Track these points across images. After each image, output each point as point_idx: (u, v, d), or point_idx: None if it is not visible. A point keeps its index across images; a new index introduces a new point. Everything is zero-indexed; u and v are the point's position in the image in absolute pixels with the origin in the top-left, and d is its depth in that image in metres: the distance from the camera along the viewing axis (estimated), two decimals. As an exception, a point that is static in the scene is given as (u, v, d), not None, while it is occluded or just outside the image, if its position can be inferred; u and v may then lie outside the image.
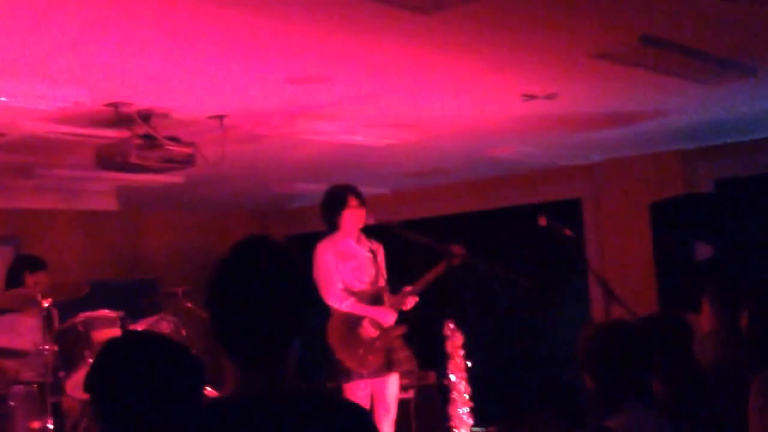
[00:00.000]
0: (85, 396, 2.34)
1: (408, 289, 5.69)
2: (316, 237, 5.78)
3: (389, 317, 5.58)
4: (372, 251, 5.71)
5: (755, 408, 3.08)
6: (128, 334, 2.61)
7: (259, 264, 1.92)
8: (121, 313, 5.84)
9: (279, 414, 1.85)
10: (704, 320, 4.11)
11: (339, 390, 5.53)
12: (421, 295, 5.73)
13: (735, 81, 5.06)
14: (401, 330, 5.65)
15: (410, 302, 5.67)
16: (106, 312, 5.78)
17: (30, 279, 5.88)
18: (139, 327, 5.76)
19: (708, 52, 4.55)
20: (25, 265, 6.04)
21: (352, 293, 5.62)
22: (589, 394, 2.95)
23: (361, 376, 5.50)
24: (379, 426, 5.59)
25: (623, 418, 2.80)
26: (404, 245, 5.81)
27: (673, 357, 3.33)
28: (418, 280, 5.68)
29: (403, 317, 5.71)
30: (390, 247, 5.90)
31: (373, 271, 5.70)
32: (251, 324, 1.88)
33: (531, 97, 5.30)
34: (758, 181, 7.35)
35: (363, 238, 5.73)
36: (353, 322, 5.59)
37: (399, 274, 5.88)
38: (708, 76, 4.92)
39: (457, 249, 5.74)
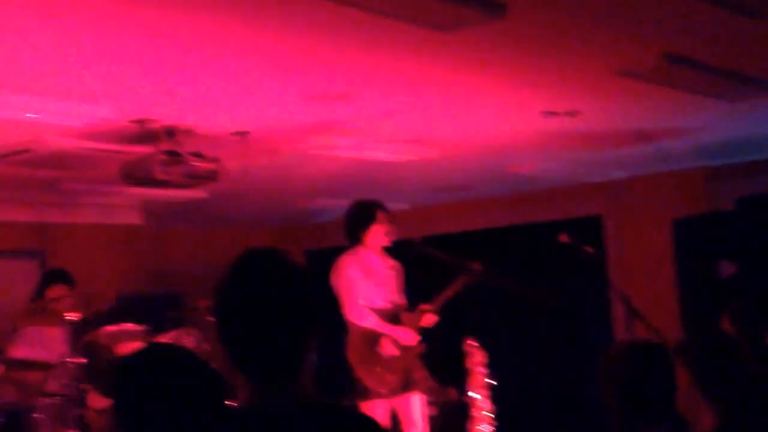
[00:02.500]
0: (107, 406, 2.36)
1: (425, 307, 5.68)
2: (335, 252, 5.79)
3: (410, 337, 5.57)
4: (392, 268, 5.71)
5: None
6: (151, 346, 2.61)
7: (267, 275, 1.92)
8: (144, 327, 5.88)
9: (289, 428, 1.85)
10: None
11: (356, 407, 5.52)
12: (442, 311, 5.72)
13: (758, 98, 5.05)
14: (420, 349, 5.65)
15: (427, 320, 5.66)
16: (129, 325, 5.82)
17: (50, 292, 5.95)
18: (162, 341, 5.79)
19: (730, 69, 4.55)
20: (45, 278, 6.14)
21: (374, 310, 5.62)
22: (612, 414, 2.93)
23: (379, 395, 5.49)
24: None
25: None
26: (423, 262, 5.81)
27: (716, 371, 3.30)
28: (436, 298, 5.67)
29: (422, 335, 5.70)
30: (409, 264, 5.91)
31: (394, 289, 5.70)
32: (258, 337, 1.88)
33: (552, 113, 5.31)
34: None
35: (385, 255, 5.73)
36: (372, 339, 5.58)
37: (418, 291, 5.87)
38: (730, 93, 4.92)
39: (476, 266, 5.73)
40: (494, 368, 6.20)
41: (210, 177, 5.14)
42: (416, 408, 5.61)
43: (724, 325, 4.57)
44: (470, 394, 5.93)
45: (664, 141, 6.36)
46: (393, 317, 5.64)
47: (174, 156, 4.91)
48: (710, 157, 7.20)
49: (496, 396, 6.06)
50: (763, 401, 3.24)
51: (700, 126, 5.95)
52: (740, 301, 4.75)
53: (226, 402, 2.23)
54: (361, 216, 5.63)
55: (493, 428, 5.89)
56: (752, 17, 3.70)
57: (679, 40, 4.08)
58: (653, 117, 5.63)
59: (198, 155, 5.06)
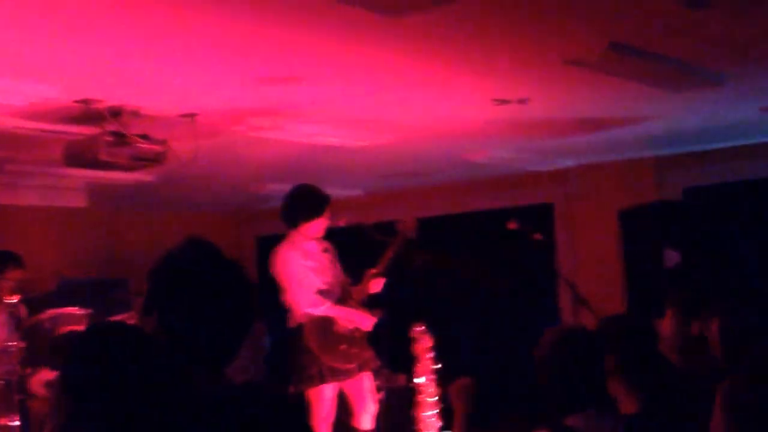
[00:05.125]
0: (49, 391, 2.30)
1: (371, 271, 5.69)
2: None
3: (368, 321, 5.59)
4: (326, 249, 5.70)
5: (720, 413, 3.11)
6: (102, 323, 2.55)
7: (205, 267, 1.92)
8: (89, 311, 5.82)
9: (224, 411, 1.86)
10: (665, 326, 4.15)
11: (302, 394, 5.51)
12: (392, 299, 5.74)
13: (703, 89, 5.12)
14: (373, 322, 5.66)
15: (376, 285, 5.68)
16: (73, 309, 5.76)
17: (7, 275, 5.86)
18: (107, 325, 5.74)
19: (676, 59, 4.61)
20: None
21: (322, 294, 5.61)
22: (547, 395, 2.99)
23: (340, 376, 5.48)
24: (359, 424, 5.63)
25: (580, 418, 2.84)
26: (376, 247, 5.82)
27: (637, 359, 3.36)
28: (380, 260, 5.70)
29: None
30: (362, 249, 5.90)
31: (332, 271, 5.69)
32: (197, 329, 1.89)
33: (503, 101, 5.34)
34: (726, 189, 7.43)
35: (318, 239, 5.72)
36: (328, 322, 5.59)
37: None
38: (676, 83, 4.98)
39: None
40: (444, 353, 6.24)
41: (157, 159, 5.08)
42: (367, 387, 5.65)
43: (668, 312, 4.66)
44: (417, 380, 5.96)
45: (612, 130, 6.43)
46: (342, 294, 5.65)
47: (120, 137, 4.84)
48: (658, 146, 7.29)
49: (444, 380, 6.09)
50: (684, 390, 3.31)
51: (647, 115, 6.02)
52: (682, 289, 4.85)
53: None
54: (308, 206, 5.58)
55: (438, 413, 5.93)
56: (697, 7, 3.74)
57: (626, 30, 4.12)
58: (601, 106, 5.68)
59: (144, 137, 4.99)
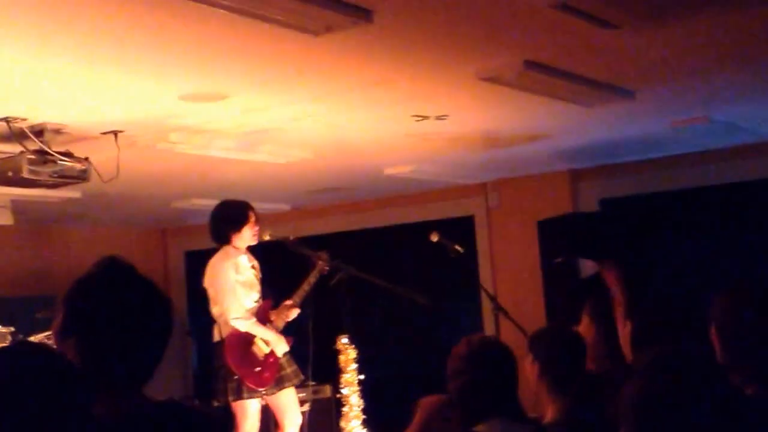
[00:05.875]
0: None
1: (288, 302, 5.79)
2: (215, 253, 5.81)
3: (282, 348, 5.67)
4: (254, 267, 5.77)
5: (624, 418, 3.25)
6: (16, 344, 2.56)
7: (124, 289, 1.96)
8: (11, 329, 5.75)
9: (144, 429, 1.90)
10: (583, 332, 4.29)
11: (227, 407, 5.56)
12: (317, 311, 5.83)
13: (615, 104, 5.31)
14: (289, 343, 5.74)
15: (291, 314, 5.80)
16: (-5, 327, 5.69)
17: None
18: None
19: (588, 76, 4.79)
20: None
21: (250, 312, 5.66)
22: (456, 404, 3.09)
23: (257, 394, 5.55)
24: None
25: (489, 427, 2.94)
26: (300, 261, 5.90)
27: (569, 368, 3.47)
28: (296, 292, 5.81)
29: (293, 333, 5.81)
30: (284, 263, 5.98)
31: (259, 288, 5.76)
32: (119, 352, 1.92)
33: (423, 117, 5.46)
34: (641, 200, 7.69)
35: (249, 254, 5.79)
36: (247, 340, 5.63)
37: (288, 289, 5.97)
38: (589, 99, 5.16)
39: (321, 257, 5.88)
40: (369, 364, 6.33)
41: (80, 177, 5.07)
42: (290, 401, 5.71)
43: (584, 319, 4.82)
44: (342, 391, 6.05)
45: (528, 144, 6.62)
46: (262, 317, 5.72)
47: (42, 155, 4.83)
48: (574, 160, 7.51)
49: (368, 391, 6.19)
50: (605, 396, 3.45)
51: (562, 130, 6.22)
52: (597, 297, 5.01)
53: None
54: (232, 217, 5.68)
55: (362, 423, 6.03)
56: (606, 27, 3.92)
57: (539, 48, 4.28)
58: (517, 121, 5.85)
59: (67, 154, 4.99)
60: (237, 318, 5.57)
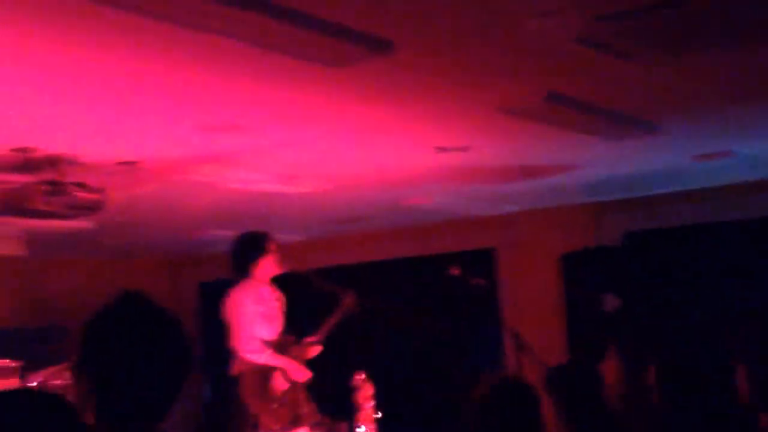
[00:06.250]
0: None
1: (309, 339, 5.68)
2: (230, 284, 5.72)
3: (303, 373, 5.55)
4: (278, 299, 5.68)
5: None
6: (12, 391, 2.47)
7: (139, 326, 1.89)
8: (20, 363, 5.67)
9: None
10: (609, 370, 4.19)
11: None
12: (333, 344, 5.72)
13: (637, 137, 5.23)
14: (307, 377, 5.63)
15: (313, 351, 5.67)
16: (3, 361, 5.61)
17: None
18: (40, 377, 5.60)
19: (611, 109, 4.71)
20: None
21: (265, 344, 5.56)
22: None
23: (271, 431, 5.44)
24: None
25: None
26: (317, 294, 5.80)
27: (586, 405, 3.38)
28: (320, 329, 5.69)
29: (311, 368, 5.69)
30: (302, 296, 5.88)
31: (281, 322, 5.66)
32: (132, 385, 1.86)
33: (444, 149, 5.39)
34: (664, 234, 7.56)
35: (273, 286, 5.70)
36: (265, 374, 5.53)
37: (310, 322, 5.86)
38: (611, 132, 5.08)
39: (349, 297, 5.76)
40: (385, 399, 6.21)
41: (94, 207, 5.02)
42: (304, 442, 5.59)
43: (610, 358, 4.70)
44: (358, 429, 5.92)
45: (551, 176, 6.52)
46: (281, 350, 5.61)
47: (56, 186, 4.78)
48: (596, 193, 7.40)
49: (385, 428, 6.06)
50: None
51: (584, 163, 6.12)
52: (623, 336, 4.90)
53: None
54: (251, 248, 5.60)
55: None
56: (627, 59, 3.84)
57: (561, 81, 4.21)
58: (539, 153, 5.77)
59: (81, 185, 4.93)
60: (250, 351, 5.48)
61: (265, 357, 5.49)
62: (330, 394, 5.84)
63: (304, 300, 5.76)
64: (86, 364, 1.90)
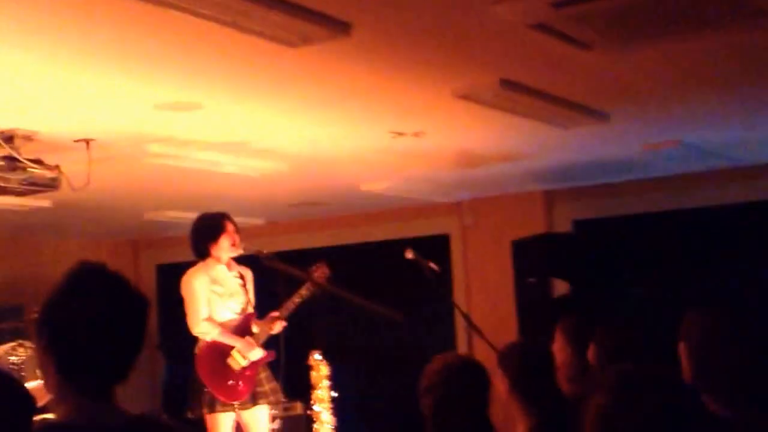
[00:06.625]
0: None
1: (274, 314, 5.72)
2: (188, 266, 5.76)
3: (253, 351, 5.59)
4: (241, 277, 5.72)
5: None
6: None
7: (99, 291, 1.94)
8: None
9: None
10: (557, 352, 4.29)
11: (200, 420, 5.50)
12: (290, 326, 5.78)
13: (590, 125, 5.34)
14: (270, 357, 5.68)
15: (277, 327, 5.71)
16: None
17: None
18: (-4, 353, 5.61)
19: (564, 97, 4.81)
20: None
21: (221, 323, 5.61)
22: (427, 421, 3.07)
23: (230, 408, 5.49)
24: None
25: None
26: (274, 276, 5.85)
27: (540, 382, 3.46)
28: (284, 305, 5.73)
29: (273, 347, 5.75)
30: (259, 278, 5.93)
31: (243, 299, 5.71)
32: (95, 355, 1.90)
33: (399, 134, 5.46)
34: (613, 223, 7.73)
35: (233, 264, 5.74)
36: (222, 352, 5.58)
37: (268, 303, 5.91)
38: (564, 120, 5.18)
39: (318, 268, 5.82)
40: (340, 381, 6.29)
41: (51, 185, 5.02)
42: (261, 420, 5.65)
43: (557, 339, 4.82)
44: (314, 407, 6.00)
45: (504, 164, 6.63)
46: (243, 328, 5.66)
47: (12, 162, 4.77)
48: (549, 181, 7.54)
49: (340, 408, 6.14)
50: (576, 416, 3.44)
51: (537, 150, 6.23)
52: (570, 316, 5.02)
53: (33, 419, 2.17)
54: (208, 228, 5.65)
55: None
56: (581, 48, 3.93)
57: (515, 68, 4.29)
58: (493, 140, 5.86)
59: (38, 162, 4.94)
60: (200, 330, 5.54)
61: (215, 335, 5.54)
62: (285, 374, 5.91)
63: (272, 282, 5.82)
64: (46, 317, 1.95)
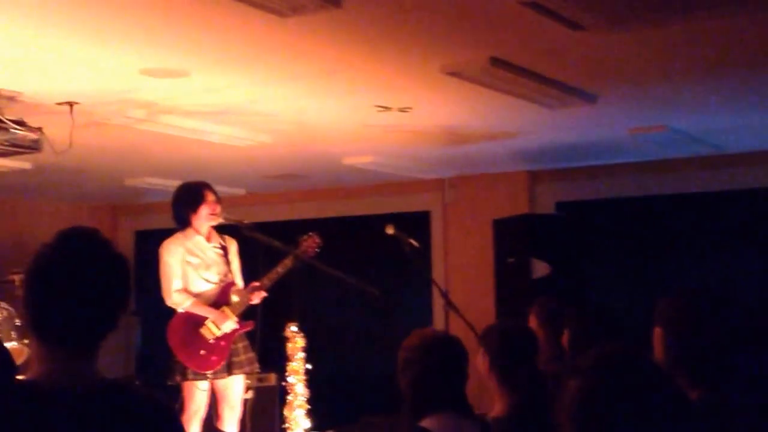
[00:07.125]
0: None
1: (255, 284, 5.69)
2: (167, 233, 5.73)
3: (227, 322, 5.56)
4: (222, 247, 5.69)
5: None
6: None
7: (86, 255, 1.94)
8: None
9: (87, 406, 1.88)
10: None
11: (176, 388, 5.49)
12: (267, 297, 5.75)
13: (577, 107, 5.34)
14: (248, 327, 5.66)
15: (257, 297, 5.68)
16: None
17: None
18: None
19: (552, 77, 4.80)
20: None
21: (196, 293, 5.58)
22: (405, 397, 3.07)
23: (203, 377, 5.49)
24: (223, 426, 5.62)
25: (437, 420, 2.92)
26: (254, 246, 5.82)
27: (518, 361, 3.46)
28: (266, 275, 5.70)
29: (250, 317, 5.72)
30: (241, 248, 5.89)
31: (222, 269, 5.67)
32: (72, 314, 1.90)
33: (385, 108, 5.44)
34: (596, 205, 7.76)
35: (214, 234, 5.71)
36: (196, 322, 5.56)
37: (249, 274, 5.89)
38: (552, 100, 5.17)
39: (310, 237, 5.79)
40: (316, 353, 6.29)
41: (33, 147, 4.97)
42: (236, 390, 5.64)
43: (531, 321, 4.84)
44: (288, 379, 5.99)
45: (489, 142, 6.63)
46: (221, 298, 5.63)
47: (-5, 121, 4.72)
48: (533, 161, 7.54)
49: (315, 381, 6.15)
50: (552, 394, 3.45)
51: (523, 130, 6.23)
52: (544, 299, 5.04)
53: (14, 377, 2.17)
54: (188, 198, 5.60)
55: (307, 413, 5.98)
56: (572, 28, 3.92)
57: (505, 46, 4.28)
58: (479, 118, 5.85)
59: (20, 123, 4.88)
60: (171, 302, 5.52)
61: (188, 306, 5.52)
62: (260, 345, 5.90)
63: (253, 253, 5.79)
64: (27, 274, 1.94)
